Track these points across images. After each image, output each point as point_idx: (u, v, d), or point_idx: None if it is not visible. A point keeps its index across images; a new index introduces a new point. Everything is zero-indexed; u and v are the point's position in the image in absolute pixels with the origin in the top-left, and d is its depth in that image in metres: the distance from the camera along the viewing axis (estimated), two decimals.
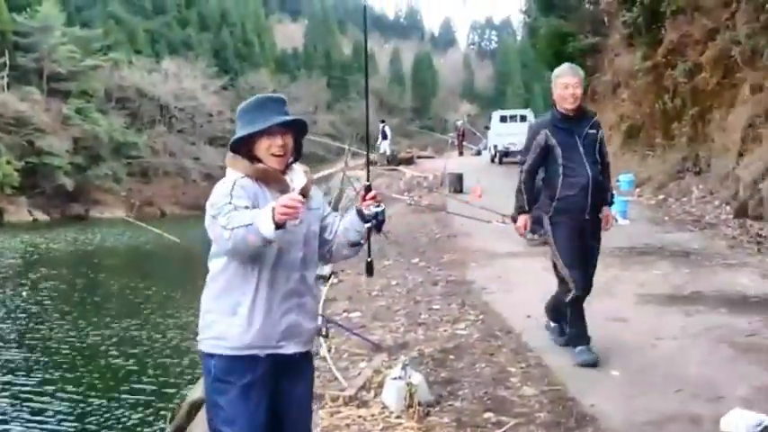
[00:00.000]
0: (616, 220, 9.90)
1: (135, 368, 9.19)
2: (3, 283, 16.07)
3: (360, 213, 2.34)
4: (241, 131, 2.28)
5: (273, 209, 1.94)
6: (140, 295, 14.21)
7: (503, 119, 22.94)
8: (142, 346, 10.12)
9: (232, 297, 2.21)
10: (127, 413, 7.53)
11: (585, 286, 4.32)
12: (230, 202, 2.11)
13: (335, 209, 12.52)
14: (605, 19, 15.20)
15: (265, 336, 2.21)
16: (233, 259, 2.17)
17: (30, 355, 9.86)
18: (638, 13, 11.26)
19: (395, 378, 3.81)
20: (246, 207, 2.11)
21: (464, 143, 30.61)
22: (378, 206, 2.32)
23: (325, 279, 7.18)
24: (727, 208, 9.53)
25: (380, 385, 3.97)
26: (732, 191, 9.60)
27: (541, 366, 4.31)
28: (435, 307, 5.98)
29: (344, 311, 6.05)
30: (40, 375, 8.94)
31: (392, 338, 5.13)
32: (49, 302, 13.64)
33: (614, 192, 10.43)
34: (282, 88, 61.32)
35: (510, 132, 21.70)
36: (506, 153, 20.91)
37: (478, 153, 29.03)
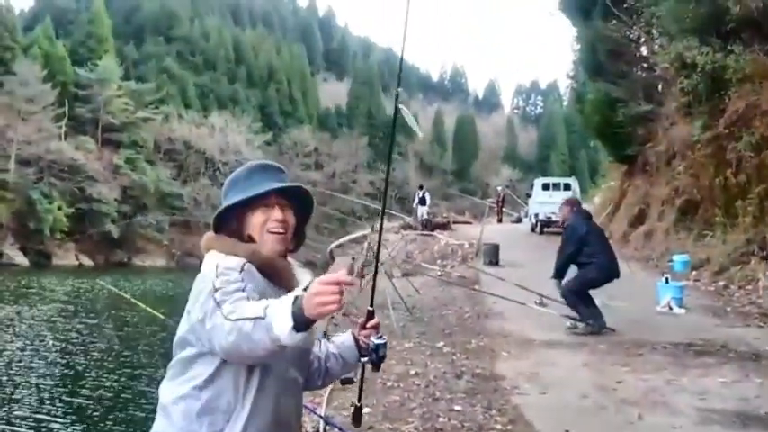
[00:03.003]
0: (670, 308, 8.86)
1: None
2: (43, 326, 16.07)
3: (357, 343, 1.88)
4: (228, 201, 1.71)
5: (298, 297, 1.42)
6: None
7: (545, 186, 22.05)
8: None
9: (214, 424, 1.61)
10: None
11: None
12: (243, 289, 1.56)
13: (361, 275, 11.72)
14: (660, 86, 14.37)
15: None
16: (228, 364, 1.60)
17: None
18: (698, 80, 10.41)
19: None
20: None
21: (504, 210, 29.67)
22: (380, 337, 1.83)
23: None
24: None
25: None
26: None
27: None
28: (456, 408, 5.08)
29: (352, 405, 5.18)
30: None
31: None
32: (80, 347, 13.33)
33: (668, 274, 9.40)
34: (324, 145, 62.18)
35: (553, 201, 20.76)
36: (548, 223, 19.88)
37: (518, 221, 28.06)
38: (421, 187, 24.61)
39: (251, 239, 1.72)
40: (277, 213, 1.72)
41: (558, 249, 7.86)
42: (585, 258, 7.42)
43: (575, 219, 7.75)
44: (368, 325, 1.85)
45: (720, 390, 5.44)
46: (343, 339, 1.92)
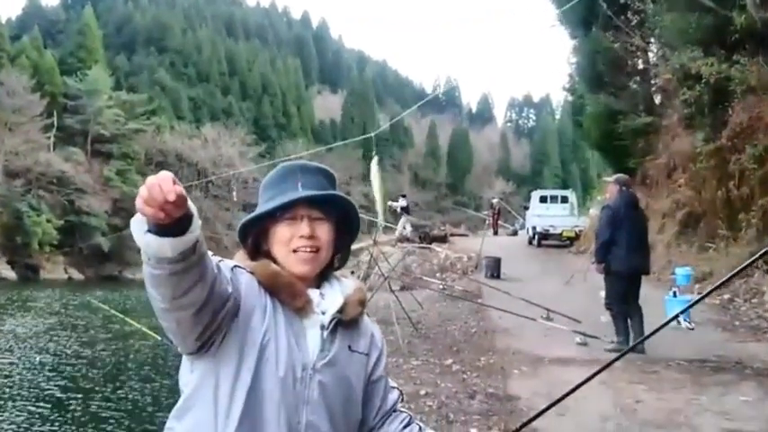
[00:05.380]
0: (679, 323, 8.67)
1: None
2: (29, 341, 15.84)
3: None
4: (254, 212, 1.49)
5: None
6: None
7: (543, 199, 21.96)
8: None
9: None
10: None
11: None
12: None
13: None
14: (660, 98, 14.27)
15: None
16: (203, 388, 1.35)
17: None
18: (701, 91, 10.32)
19: None
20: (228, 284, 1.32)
21: (499, 222, 29.53)
22: None
23: None
24: None
25: None
26: None
27: None
28: (473, 431, 4.84)
29: None
30: None
31: None
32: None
33: (675, 288, 9.21)
34: (318, 158, 62.09)
35: (550, 213, 20.68)
36: (545, 235, 19.77)
37: (515, 233, 27.95)
38: (404, 196, 23.16)
39: (269, 256, 1.46)
40: (304, 228, 1.43)
41: (595, 234, 7.46)
42: (615, 247, 6.87)
43: (615, 201, 7.14)
44: None
45: (744, 410, 5.24)
46: None
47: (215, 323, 1.30)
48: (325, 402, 1.39)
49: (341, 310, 1.45)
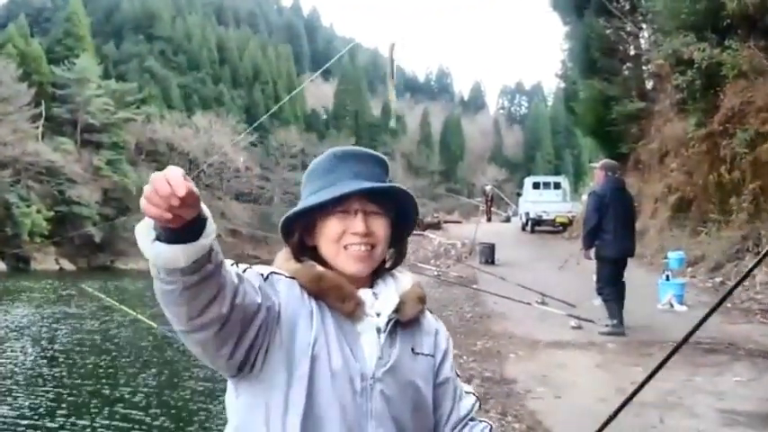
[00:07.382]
0: (671, 306, 8.78)
1: None
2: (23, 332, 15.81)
3: None
4: (300, 204, 1.33)
5: None
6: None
7: (536, 185, 22.05)
8: None
9: None
10: None
11: None
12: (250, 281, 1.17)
13: None
14: (652, 83, 14.32)
15: None
16: (252, 409, 1.21)
17: None
18: (693, 76, 10.37)
19: None
20: (257, 292, 1.16)
21: (492, 209, 29.63)
22: None
23: None
24: None
25: None
26: None
27: None
28: None
29: None
30: None
31: None
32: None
33: (668, 272, 9.30)
34: (311, 146, 61.90)
35: (543, 199, 20.79)
36: (539, 221, 19.89)
37: (507, 219, 28.08)
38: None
39: (314, 253, 1.32)
40: (358, 225, 1.27)
41: (583, 220, 7.54)
42: (602, 232, 7.00)
43: (602, 186, 7.19)
44: None
45: (738, 390, 5.33)
46: None
47: (246, 339, 1.16)
48: (391, 414, 1.23)
49: (397, 310, 1.30)
